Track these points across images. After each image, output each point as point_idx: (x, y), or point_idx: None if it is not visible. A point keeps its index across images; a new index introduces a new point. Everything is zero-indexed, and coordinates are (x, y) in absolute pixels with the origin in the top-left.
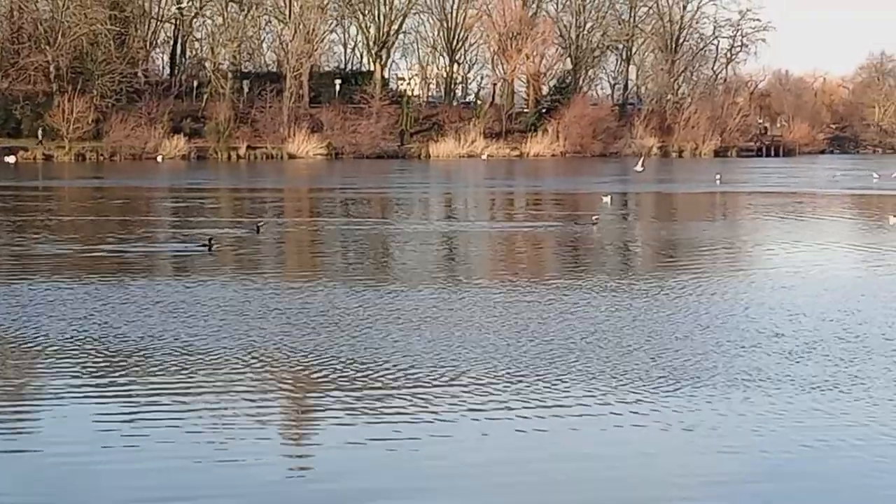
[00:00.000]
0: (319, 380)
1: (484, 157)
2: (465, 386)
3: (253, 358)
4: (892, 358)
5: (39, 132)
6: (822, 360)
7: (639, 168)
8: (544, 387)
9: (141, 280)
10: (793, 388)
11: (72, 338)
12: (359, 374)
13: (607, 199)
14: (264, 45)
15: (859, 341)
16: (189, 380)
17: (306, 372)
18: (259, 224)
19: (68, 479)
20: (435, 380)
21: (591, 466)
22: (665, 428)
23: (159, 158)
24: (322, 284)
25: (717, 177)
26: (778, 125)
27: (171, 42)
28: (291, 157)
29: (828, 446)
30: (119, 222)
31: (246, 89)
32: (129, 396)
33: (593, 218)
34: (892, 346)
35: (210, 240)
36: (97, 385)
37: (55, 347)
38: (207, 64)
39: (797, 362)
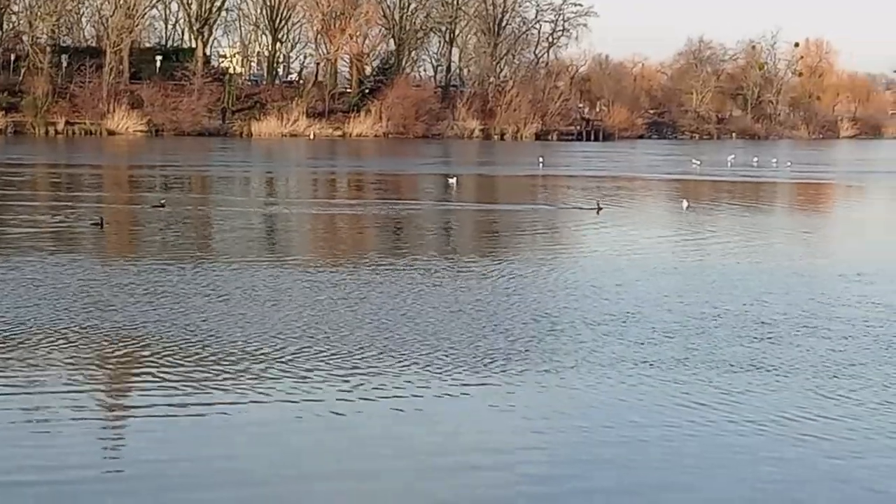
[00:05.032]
0: (141, 358)
1: (311, 136)
2: (287, 365)
3: (67, 334)
4: (708, 334)
5: None
6: (642, 340)
7: (452, 182)
8: (370, 364)
9: None
10: (606, 366)
11: None
12: (179, 353)
13: (453, 181)
14: (84, 20)
15: (677, 318)
16: None
17: (127, 349)
18: (162, 201)
19: None
20: (256, 358)
21: (417, 445)
22: (486, 407)
23: None
24: (143, 263)
25: (540, 160)
26: (597, 109)
27: None
28: (111, 133)
29: (656, 422)
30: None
31: (65, 64)
32: None
33: (599, 202)
34: (707, 321)
35: (101, 218)
36: None
37: None
38: (25, 38)
39: (612, 342)
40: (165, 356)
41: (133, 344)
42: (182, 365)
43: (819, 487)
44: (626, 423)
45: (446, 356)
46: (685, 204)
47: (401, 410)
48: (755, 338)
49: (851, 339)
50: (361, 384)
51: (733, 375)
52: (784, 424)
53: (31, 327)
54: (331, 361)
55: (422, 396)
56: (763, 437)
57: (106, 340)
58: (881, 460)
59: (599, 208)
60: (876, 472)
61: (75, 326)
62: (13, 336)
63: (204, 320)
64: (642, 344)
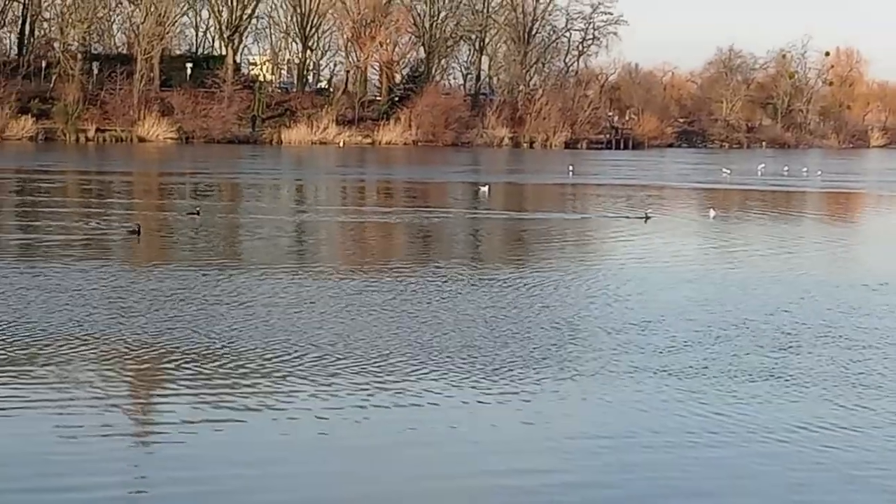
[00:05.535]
0: (171, 369)
1: (340, 143)
2: (313, 375)
3: (97, 341)
4: (730, 343)
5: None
6: (663, 349)
7: (484, 190)
8: (392, 374)
9: None
10: (626, 375)
11: None
12: (208, 364)
13: (485, 189)
14: (114, 27)
15: (699, 327)
16: (29, 365)
17: (159, 360)
18: (196, 209)
19: None
20: (282, 369)
21: (431, 451)
22: (505, 416)
23: None
24: (183, 271)
25: (570, 169)
26: (627, 118)
27: (20, 21)
28: (141, 140)
29: (671, 432)
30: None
31: (95, 71)
32: None
33: (647, 212)
34: (729, 330)
35: (138, 226)
36: None
37: None
38: (56, 44)
39: (633, 350)
40: (195, 367)
41: (165, 355)
42: (209, 376)
43: (840, 501)
44: (646, 434)
45: (466, 365)
46: (712, 213)
47: (421, 420)
48: (776, 347)
49: (873, 349)
50: (383, 394)
51: (753, 385)
52: (804, 435)
53: (74, 336)
54: (354, 370)
55: (439, 405)
56: (783, 449)
57: (141, 350)
58: None
59: (647, 217)
60: None
61: (119, 335)
62: (60, 345)
63: (236, 330)
64: (663, 352)
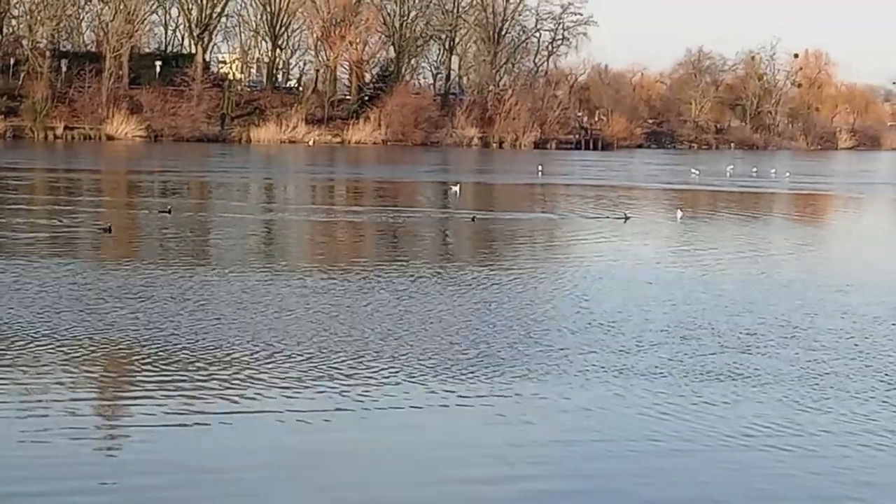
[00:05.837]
0: (135, 366)
1: (310, 142)
2: (276, 373)
3: (61, 340)
4: (693, 343)
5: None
6: (626, 349)
7: (455, 189)
8: (350, 376)
9: None
10: (583, 376)
11: None
12: (174, 362)
13: (456, 189)
14: (83, 24)
15: (662, 327)
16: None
17: (119, 356)
18: (168, 207)
19: None
20: (247, 367)
21: (389, 456)
22: (476, 415)
23: None
24: (158, 269)
25: (540, 169)
26: (596, 119)
27: None
28: (110, 138)
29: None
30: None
31: (64, 68)
32: None
33: (626, 213)
34: (693, 330)
35: (110, 225)
36: None
37: None
38: (25, 42)
39: (594, 350)
40: (160, 367)
41: (130, 354)
42: (174, 377)
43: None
44: (606, 439)
45: (426, 365)
46: (679, 214)
47: (380, 425)
48: (739, 348)
49: (835, 350)
50: (339, 396)
51: (715, 385)
52: (763, 441)
53: (38, 335)
54: (318, 370)
55: (401, 408)
56: (744, 456)
57: (106, 350)
58: (862, 476)
59: (627, 218)
60: (855, 487)
61: (84, 334)
62: (23, 344)
63: (203, 329)
64: (623, 353)
